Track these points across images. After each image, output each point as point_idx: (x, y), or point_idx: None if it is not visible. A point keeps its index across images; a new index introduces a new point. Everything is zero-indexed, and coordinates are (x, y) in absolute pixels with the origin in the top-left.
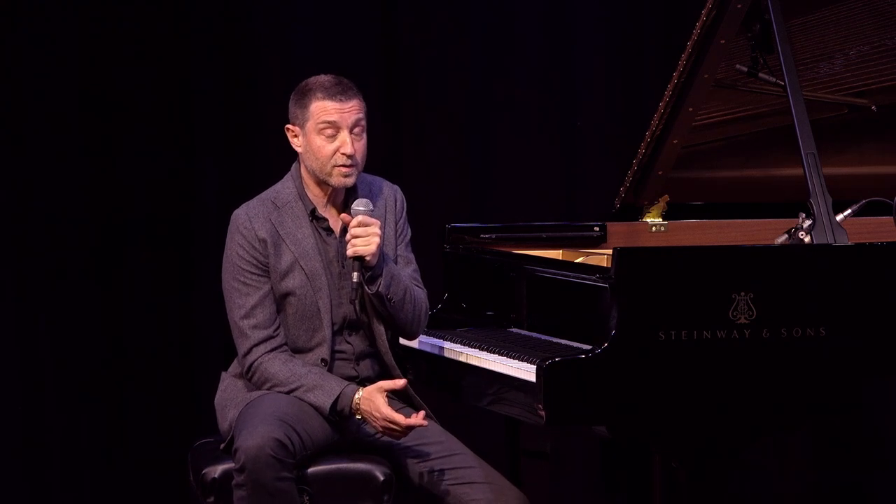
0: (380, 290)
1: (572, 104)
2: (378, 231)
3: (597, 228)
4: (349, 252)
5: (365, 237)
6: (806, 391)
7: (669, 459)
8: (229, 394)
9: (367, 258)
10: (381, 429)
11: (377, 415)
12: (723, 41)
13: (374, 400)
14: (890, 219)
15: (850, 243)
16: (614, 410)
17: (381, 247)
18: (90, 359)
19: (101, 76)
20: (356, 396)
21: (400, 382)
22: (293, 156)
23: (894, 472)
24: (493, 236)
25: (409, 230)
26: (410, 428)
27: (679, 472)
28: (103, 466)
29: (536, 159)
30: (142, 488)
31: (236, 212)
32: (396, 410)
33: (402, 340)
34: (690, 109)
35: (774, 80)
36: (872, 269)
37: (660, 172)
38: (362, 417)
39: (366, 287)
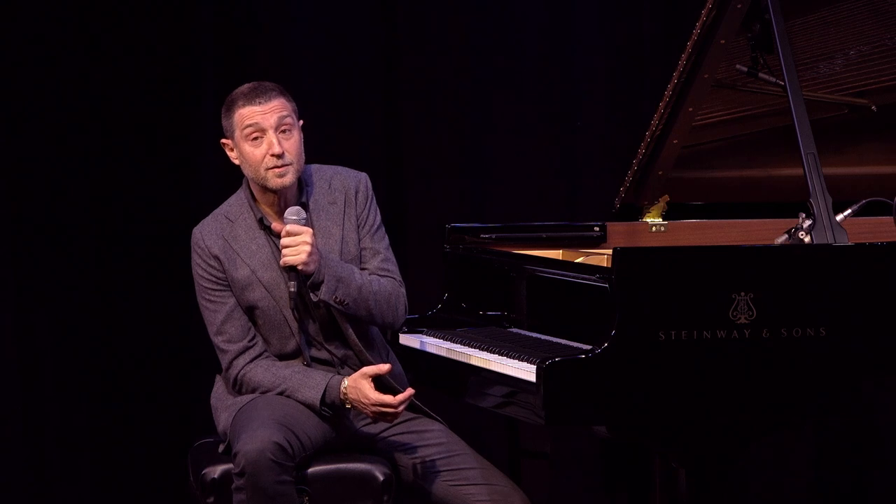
0: (323, 296)
1: (572, 104)
2: (308, 239)
3: (597, 228)
4: (281, 262)
5: (294, 246)
6: (806, 391)
7: (669, 459)
8: (220, 394)
9: (300, 267)
10: (372, 414)
11: (366, 401)
12: (723, 41)
13: (359, 387)
14: (890, 219)
15: (850, 243)
16: (614, 410)
17: (314, 255)
18: (90, 359)
19: (100, 77)
20: (342, 386)
21: (384, 367)
22: None
23: (894, 472)
24: (493, 236)
25: (378, 217)
26: (403, 405)
27: (679, 471)
28: (103, 466)
29: (536, 159)
30: (142, 488)
31: (193, 231)
32: None
33: (402, 340)
34: (690, 109)
35: (774, 80)
36: (872, 269)
37: (660, 172)
38: (352, 406)
39: (311, 295)
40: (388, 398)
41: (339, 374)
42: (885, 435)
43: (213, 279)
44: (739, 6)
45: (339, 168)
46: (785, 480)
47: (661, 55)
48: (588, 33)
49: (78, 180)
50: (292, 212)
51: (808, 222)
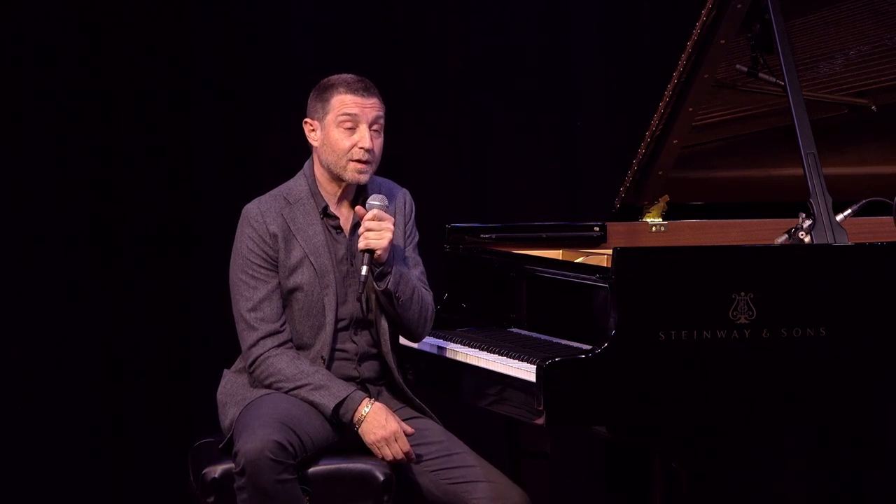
0: (388, 287)
1: (572, 104)
2: (391, 227)
3: (597, 228)
4: (361, 244)
5: (378, 231)
6: (806, 391)
7: (669, 459)
8: (230, 390)
9: (378, 252)
10: (381, 438)
11: (385, 423)
12: (723, 41)
13: (388, 416)
14: (890, 219)
15: (850, 243)
16: (614, 410)
17: (392, 243)
18: (90, 359)
19: (101, 76)
20: (364, 408)
21: (411, 430)
22: (295, 156)
23: (894, 472)
24: (493, 236)
25: (417, 233)
26: (410, 453)
27: (679, 471)
28: (103, 466)
29: (536, 159)
30: (142, 488)
31: (248, 206)
32: (394, 410)
33: (402, 339)
34: (690, 109)
35: (774, 80)
36: (872, 269)
37: (660, 172)
38: (360, 427)
39: (375, 284)
40: (408, 428)
41: (356, 370)
42: (885, 435)
43: (264, 255)
44: (739, 6)
45: (385, 179)
46: (785, 480)
47: (661, 55)
48: (588, 34)
49: (78, 180)
50: (377, 198)
51: (808, 222)
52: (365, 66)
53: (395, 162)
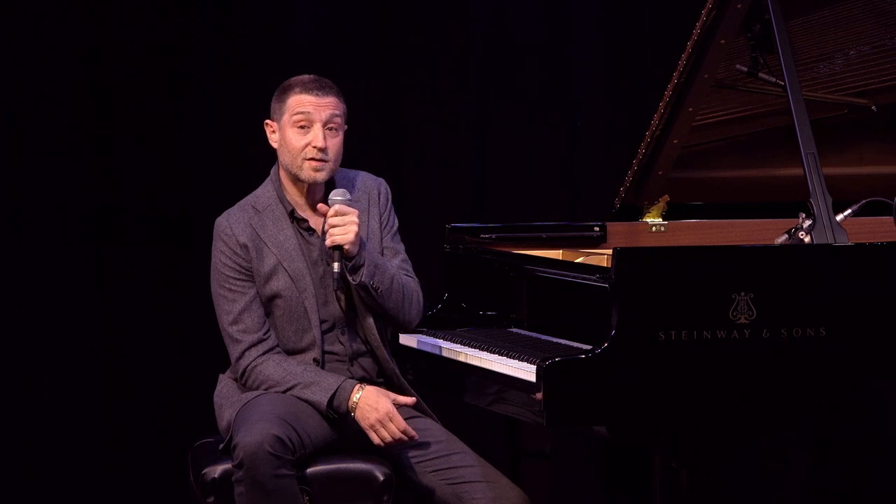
0: (363, 279)
1: (572, 104)
2: (355, 220)
3: (597, 228)
4: (328, 242)
5: (342, 226)
6: (806, 391)
7: (669, 459)
8: (226, 393)
9: (346, 247)
10: (376, 421)
11: (377, 405)
12: (723, 41)
13: (379, 397)
14: (890, 219)
15: (850, 243)
16: (614, 410)
17: (359, 235)
18: (90, 359)
19: (100, 75)
20: (356, 395)
21: (410, 400)
22: None
23: (894, 472)
24: (493, 236)
25: (396, 221)
26: (406, 434)
27: (679, 471)
28: (103, 466)
29: (536, 159)
30: (142, 488)
31: (218, 220)
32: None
33: (401, 340)
34: (690, 109)
35: (774, 80)
36: (872, 269)
37: (660, 172)
38: (355, 414)
39: (350, 278)
40: (403, 399)
41: (349, 370)
42: (885, 435)
43: (238, 268)
44: (739, 6)
45: (359, 171)
46: (785, 480)
47: (661, 55)
48: (588, 33)
49: (78, 181)
50: (338, 193)
51: (808, 222)
52: (365, 65)
53: (394, 161)
